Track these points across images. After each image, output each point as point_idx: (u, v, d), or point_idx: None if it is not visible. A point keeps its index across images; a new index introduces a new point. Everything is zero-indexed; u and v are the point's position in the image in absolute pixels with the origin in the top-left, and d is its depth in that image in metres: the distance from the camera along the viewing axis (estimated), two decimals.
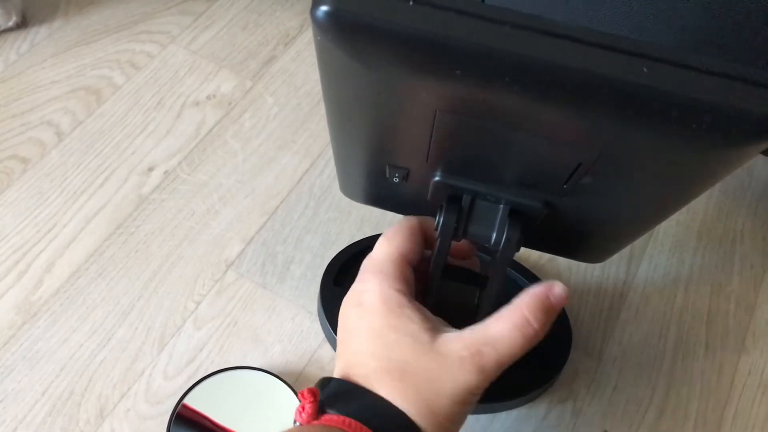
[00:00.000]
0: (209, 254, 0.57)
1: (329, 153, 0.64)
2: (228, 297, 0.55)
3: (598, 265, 0.59)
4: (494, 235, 0.38)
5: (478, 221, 0.38)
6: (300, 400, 0.35)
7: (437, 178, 0.37)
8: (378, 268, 0.38)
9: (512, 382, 0.50)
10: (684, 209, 0.63)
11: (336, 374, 0.38)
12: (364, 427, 0.33)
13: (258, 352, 0.53)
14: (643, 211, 0.38)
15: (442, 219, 0.38)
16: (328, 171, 0.63)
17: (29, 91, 0.66)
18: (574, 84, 0.26)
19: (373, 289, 0.37)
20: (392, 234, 0.40)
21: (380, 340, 0.36)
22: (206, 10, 0.74)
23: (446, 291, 0.41)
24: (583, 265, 0.59)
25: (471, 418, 0.51)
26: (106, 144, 0.63)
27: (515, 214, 0.38)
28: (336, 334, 0.51)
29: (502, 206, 0.38)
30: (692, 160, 0.30)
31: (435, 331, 0.36)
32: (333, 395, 0.36)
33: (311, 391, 0.34)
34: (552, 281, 0.38)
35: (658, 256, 0.60)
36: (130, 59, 0.69)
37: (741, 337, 0.56)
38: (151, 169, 0.62)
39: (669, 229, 0.62)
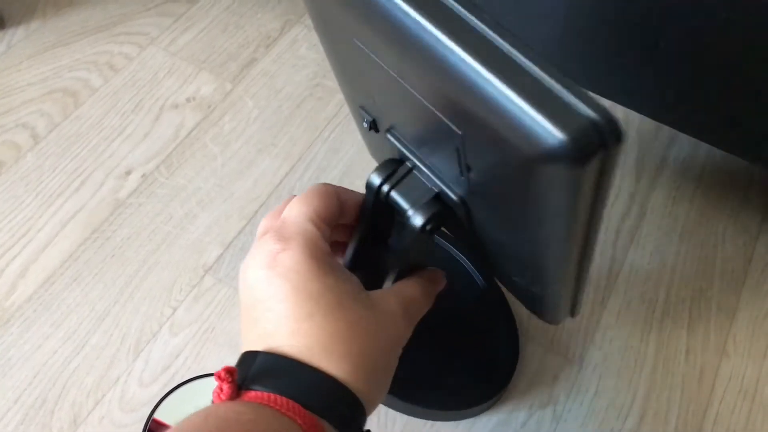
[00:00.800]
0: (187, 259, 0.57)
1: (309, 156, 0.63)
2: (205, 302, 0.55)
3: None
4: (409, 210, 0.37)
5: (403, 190, 0.37)
6: (217, 382, 0.30)
7: (387, 135, 0.37)
8: (298, 228, 0.34)
9: (464, 393, 0.51)
10: (666, 213, 0.62)
11: (251, 348, 0.33)
12: (296, 404, 0.30)
13: (236, 358, 0.52)
14: (527, 242, 0.34)
15: (373, 174, 0.37)
16: (308, 174, 0.62)
17: (4, 94, 0.65)
18: (401, 34, 0.25)
19: (296, 249, 0.33)
20: (307, 196, 0.36)
21: (318, 304, 0.32)
22: (186, 12, 0.73)
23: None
24: None
25: (449, 425, 0.50)
26: (83, 147, 0.62)
27: (439, 200, 0.37)
28: None
29: (431, 187, 0.37)
30: (515, 176, 0.27)
31: (365, 289, 0.35)
32: (261, 371, 0.31)
33: (227, 370, 0.30)
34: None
35: (639, 261, 0.60)
36: (108, 61, 0.68)
37: (722, 341, 0.56)
38: (128, 173, 0.61)
39: (650, 232, 0.61)
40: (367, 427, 0.34)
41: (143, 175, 0.61)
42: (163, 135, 0.64)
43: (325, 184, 0.38)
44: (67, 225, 0.57)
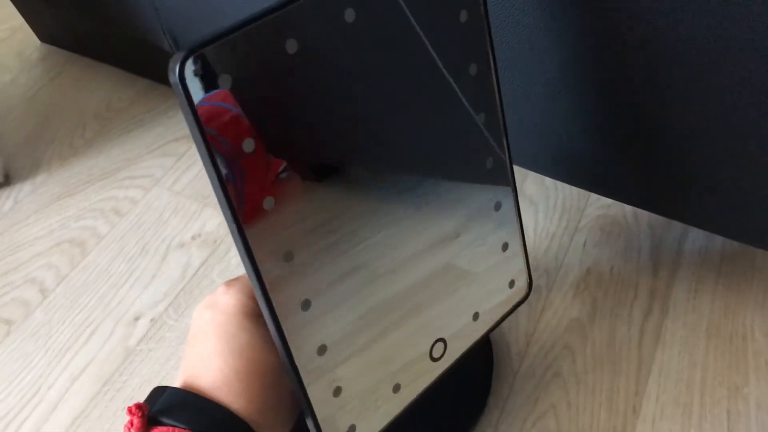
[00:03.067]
0: None
1: None
2: None
3: (606, 377, 0.57)
4: None
5: None
6: (128, 416, 0.34)
7: None
8: (242, 282, 0.39)
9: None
10: (689, 307, 0.60)
11: (177, 382, 0.37)
12: None
13: None
14: None
15: None
16: None
17: (13, 250, 0.65)
18: None
19: (232, 294, 0.38)
20: None
21: (232, 341, 0.36)
22: (187, 150, 0.74)
23: None
24: (590, 380, 0.56)
25: None
26: (91, 297, 0.62)
27: None
28: None
29: None
30: None
31: None
32: (167, 407, 0.35)
33: (138, 406, 0.34)
34: None
35: (668, 362, 0.57)
36: (114, 206, 0.69)
37: None
38: (137, 319, 0.60)
39: (676, 330, 0.59)
40: None
41: (152, 320, 0.60)
42: (170, 276, 0.64)
43: None
44: (78, 380, 0.56)
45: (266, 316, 0.33)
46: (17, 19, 0.93)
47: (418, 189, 0.40)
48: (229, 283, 0.39)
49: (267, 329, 0.36)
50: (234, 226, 0.31)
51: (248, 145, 0.31)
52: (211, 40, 0.28)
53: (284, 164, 0.33)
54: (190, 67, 0.28)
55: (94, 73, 0.86)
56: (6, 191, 0.70)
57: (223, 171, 0.30)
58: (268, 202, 0.32)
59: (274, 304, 0.33)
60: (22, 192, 0.70)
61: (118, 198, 0.70)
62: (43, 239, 0.66)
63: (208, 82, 0.29)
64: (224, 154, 0.30)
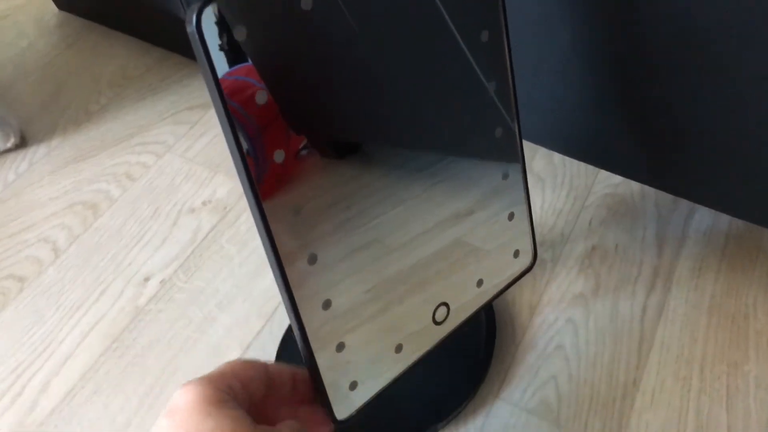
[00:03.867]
0: (208, 363, 0.56)
1: None
2: None
3: (607, 351, 0.57)
4: None
5: None
6: None
7: None
8: (206, 377, 0.36)
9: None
10: (692, 286, 0.61)
11: None
12: None
13: None
14: None
15: None
16: None
17: (27, 210, 0.66)
18: None
19: (189, 389, 0.35)
20: (235, 362, 0.38)
21: (199, 429, 0.33)
22: (200, 119, 0.75)
23: None
24: (591, 353, 0.57)
25: None
26: (102, 257, 0.63)
27: None
28: None
29: None
30: None
31: (254, 423, 0.35)
32: None
33: None
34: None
35: (669, 338, 0.58)
36: (127, 171, 0.70)
37: (764, 419, 0.53)
38: (147, 279, 0.61)
39: (678, 307, 0.60)
40: None
41: (162, 281, 0.61)
42: (180, 239, 0.64)
43: (261, 361, 0.39)
44: (88, 336, 0.58)
45: (272, 266, 0.34)
46: None
47: (433, 165, 0.40)
48: (185, 384, 0.36)
49: (235, 411, 0.35)
50: (242, 169, 0.31)
51: (261, 96, 0.31)
52: None
53: (304, 141, 0.34)
54: (206, 17, 0.29)
55: (110, 41, 0.87)
56: (22, 153, 0.72)
57: (245, 145, 0.31)
58: (278, 155, 0.33)
59: (281, 255, 0.34)
60: (38, 154, 0.71)
61: (130, 163, 0.71)
62: (56, 200, 0.67)
63: (224, 33, 0.30)
64: (247, 128, 0.31)
